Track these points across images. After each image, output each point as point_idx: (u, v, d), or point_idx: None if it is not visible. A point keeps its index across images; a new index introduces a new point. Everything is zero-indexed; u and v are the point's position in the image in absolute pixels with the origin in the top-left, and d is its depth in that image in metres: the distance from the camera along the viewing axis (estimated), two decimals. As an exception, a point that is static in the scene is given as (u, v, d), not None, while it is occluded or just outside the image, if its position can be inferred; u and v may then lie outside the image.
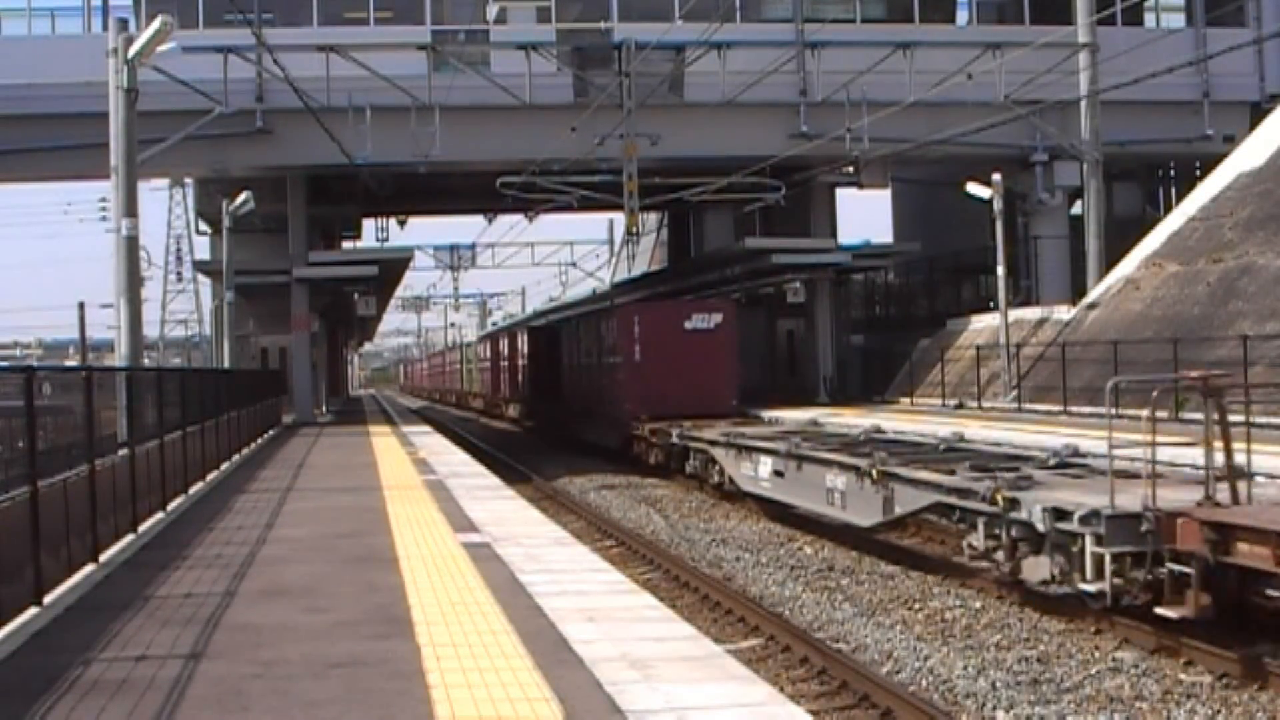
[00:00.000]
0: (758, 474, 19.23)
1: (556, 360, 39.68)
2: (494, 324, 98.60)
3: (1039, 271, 38.11)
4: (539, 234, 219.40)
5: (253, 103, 32.50)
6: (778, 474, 18.32)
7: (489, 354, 60.63)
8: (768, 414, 30.19)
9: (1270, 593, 10.65)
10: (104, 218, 78.74)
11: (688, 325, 29.15)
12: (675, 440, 24.50)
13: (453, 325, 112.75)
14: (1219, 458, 10.82)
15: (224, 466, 20.83)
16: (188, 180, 54.53)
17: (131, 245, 18.75)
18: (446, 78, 32.73)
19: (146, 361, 27.20)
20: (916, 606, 13.33)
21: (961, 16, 38.38)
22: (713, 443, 22.12)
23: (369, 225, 51.04)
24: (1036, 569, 11.56)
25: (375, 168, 34.48)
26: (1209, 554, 9.99)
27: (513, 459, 32.28)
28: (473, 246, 72.35)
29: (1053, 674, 10.45)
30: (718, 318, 29.53)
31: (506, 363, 52.62)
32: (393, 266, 42.98)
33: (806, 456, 17.37)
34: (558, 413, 39.52)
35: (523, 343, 48.31)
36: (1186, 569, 10.17)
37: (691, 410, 26.97)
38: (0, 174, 34.75)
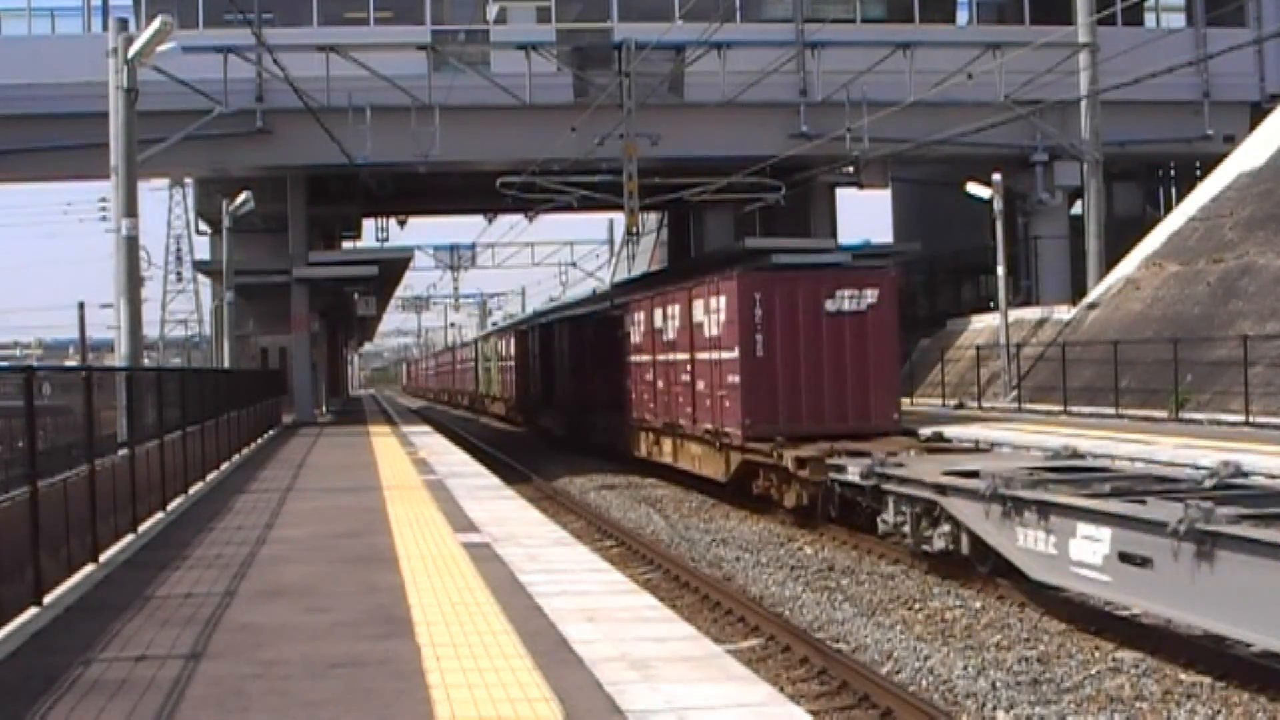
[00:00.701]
0: (1068, 553, 11.24)
1: (613, 357, 30.82)
2: (494, 324, 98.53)
3: (1039, 271, 38.14)
4: (539, 234, 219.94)
5: (253, 103, 32.52)
6: (1132, 561, 10.35)
7: (512, 351, 50.38)
8: (948, 431, 22.48)
9: None
10: (104, 218, 78.75)
11: (830, 305, 20.81)
12: (858, 479, 15.79)
13: (453, 325, 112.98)
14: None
15: (224, 466, 20.83)
16: (188, 180, 54.55)
17: (131, 245, 18.75)
18: (446, 78, 32.74)
19: (146, 361, 27.21)
20: (916, 606, 13.33)
21: (961, 16, 38.40)
22: (946, 490, 13.72)
23: (369, 225, 51.12)
24: None
25: (375, 168, 34.50)
26: None
27: (513, 459, 32.28)
28: (473, 246, 72.42)
29: (1053, 674, 10.45)
30: (872, 294, 20.96)
31: (538, 361, 42.42)
32: (393, 266, 42.99)
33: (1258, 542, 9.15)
34: (617, 427, 30.49)
35: (561, 337, 38.54)
36: None
37: (837, 427, 20.18)
38: (0, 174, 34.75)
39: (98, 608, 9.01)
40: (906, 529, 14.75)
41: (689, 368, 23.54)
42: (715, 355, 21.96)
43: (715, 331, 21.88)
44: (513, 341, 51.30)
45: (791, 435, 19.64)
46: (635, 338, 28.45)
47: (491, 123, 33.45)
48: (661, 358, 25.78)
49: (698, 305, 23.05)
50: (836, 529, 17.88)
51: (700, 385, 22.88)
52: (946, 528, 13.81)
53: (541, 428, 42.51)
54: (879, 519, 15.47)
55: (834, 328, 20.84)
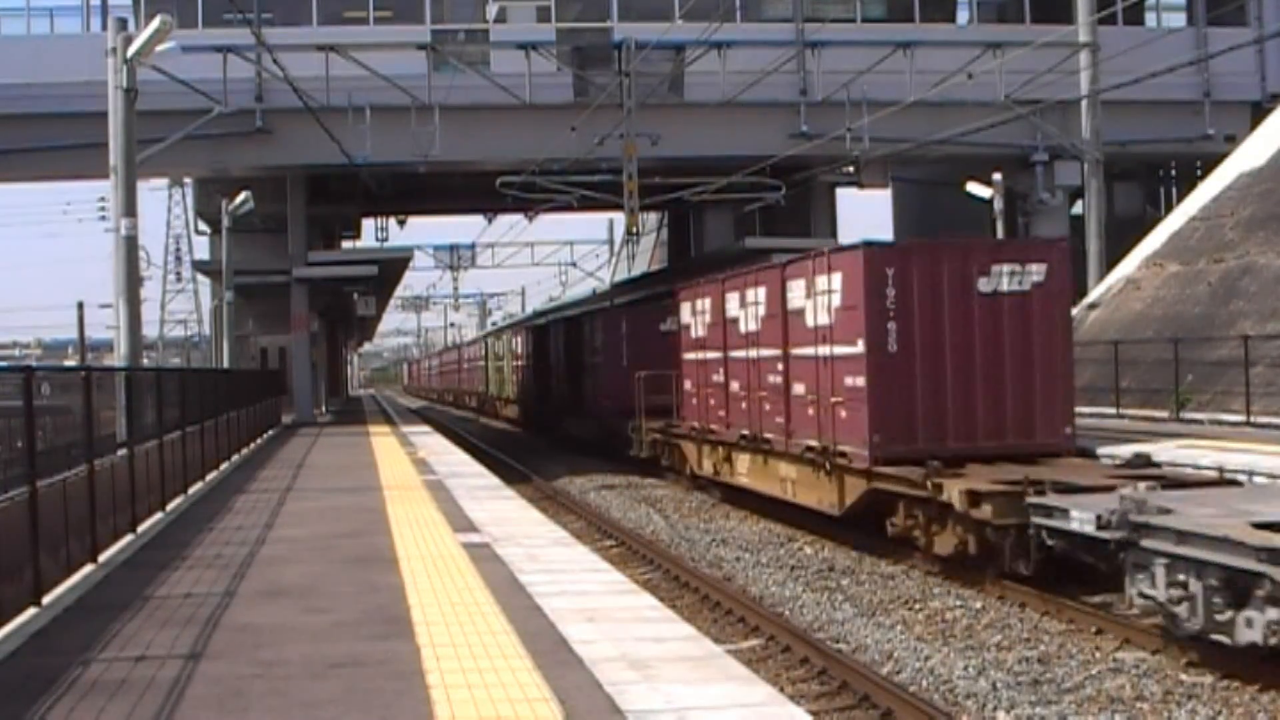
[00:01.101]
0: None
1: (663, 354, 26.86)
2: (494, 323, 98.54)
3: (1039, 271, 38.05)
4: (539, 234, 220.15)
5: (252, 102, 32.49)
6: None
7: (530, 349, 45.38)
8: (1140, 452, 16.41)
9: None
10: (103, 218, 78.75)
11: (984, 285, 16.21)
12: (1093, 530, 11.06)
13: (453, 325, 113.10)
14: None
15: (223, 466, 20.83)
16: (187, 180, 54.57)
17: (131, 245, 18.77)
18: (446, 77, 32.72)
19: (145, 361, 27.20)
20: (917, 607, 13.32)
21: (962, 16, 38.39)
22: None
23: (369, 225, 51.13)
24: None
25: (375, 168, 34.48)
26: None
27: (512, 459, 32.27)
28: (473, 246, 72.44)
29: (1053, 674, 10.44)
30: (1039, 270, 16.37)
31: (562, 359, 38.09)
32: (392, 266, 43.01)
33: None
34: (670, 440, 25.67)
35: (593, 332, 34.13)
36: None
37: (991, 445, 15.94)
38: (0, 174, 34.73)
39: (97, 608, 9.00)
40: (1184, 608, 10.19)
41: (780, 367, 18.97)
42: (824, 351, 17.19)
43: (824, 320, 17.19)
44: (531, 338, 46.40)
45: (934, 456, 14.98)
46: (696, 330, 23.76)
47: (491, 123, 33.43)
48: (737, 354, 21.14)
49: (794, 287, 18.38)
50: (840, 532, 17.71)
51: (799, 389, 18.29)
52: (1274, 614, 9.34)
53: (568, 435, 37.44)
54: (1134, 590, 10.80)
55: (989, 314, 16.23)
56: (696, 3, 31.58)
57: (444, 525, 12.86)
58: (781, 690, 9.23)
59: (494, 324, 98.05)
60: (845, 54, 33.49)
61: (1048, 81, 32.21)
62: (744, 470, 21.05)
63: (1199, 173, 37.36)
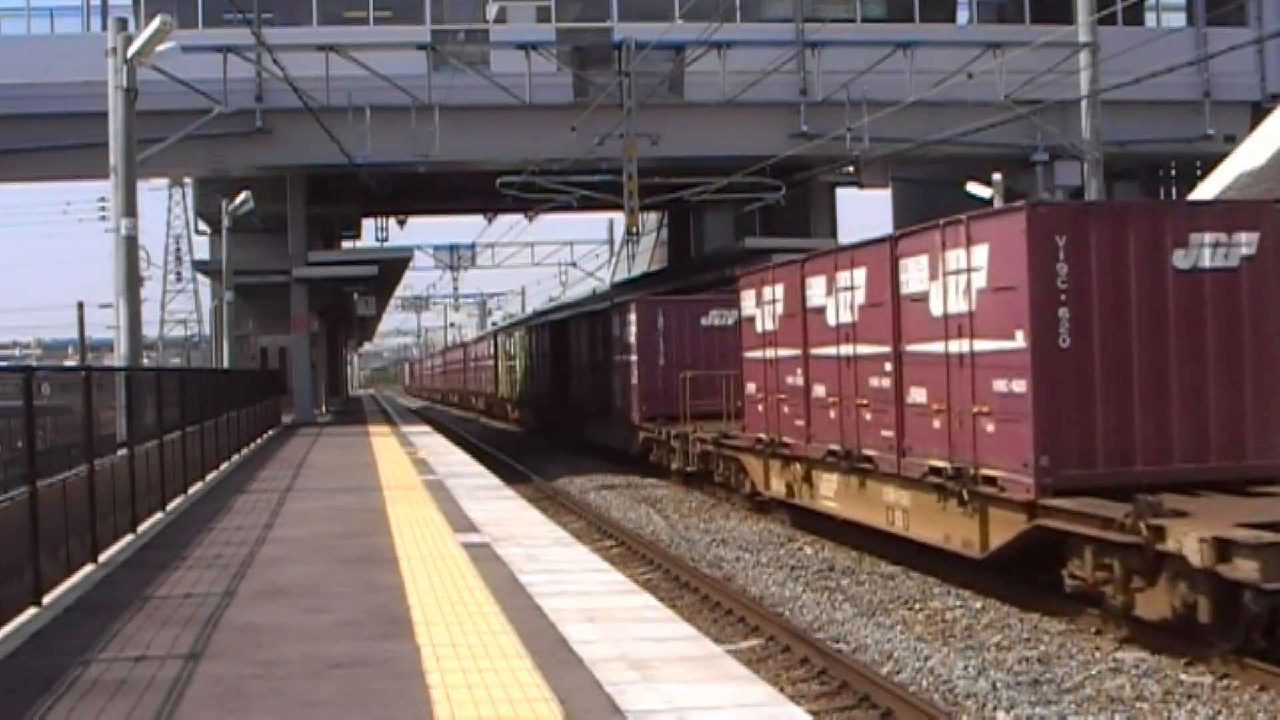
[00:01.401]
0: None
1: (706, 349, 24.78)
2: (494, 323, 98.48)
3: (1039, 271, 38.00)
4: (539, 234, 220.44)
5: (252, 102, 32.47)
6: None
7: (547, 347, 41.86)
8: None
9: None
10: (103, 217, 78.72)
11: (1180, 259, 12.53)
12: None
13: (453, 325, 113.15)
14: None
15: (223, 466, 20.84)
16: (187, 180, 54.52)
17: (131, 245, 18.79)
18: (446, 77, 32.71)
19: (145, 361, 27.21)
20: (917, 607, 13.32)
21: (962, 16, 38.37)
22: None
23: (369, 225, 51.08)
24: None
25: (375, 167, 34.47)
26: None
27: (512, 459, 32.27)
28: (473, 246, 72.36)
29: (1053, 674, 10.44)
30: (1249, 241, 12.68)
31: (585, 359, 35.06)
32: (392, 266, 43.00)
33: None
34: (725, 453, 22.14)
35: (624, 327, 29.90)
36: None
37: (1192, 468, 12.31)
38: (0, 174, 34.73)
39: (97, 608, 9.00)
40: None
41: (888, 367, 15.28)
42: (959, 347, 13.47)
43: (959, 307, 13.49)
44: (548, 334, 42.52)
45: (1119, 485, 11.71)
46: (764, 323, 20.08)
47: (491, 123, 33.42)
48: (823, 352, 17.40)
49: (911, 266, 14.70)
50: (829, 530, 17.72)
51: (918, 396, 14.54)
52: None
53: (590, 442, 34.25)
54: None
55: (1187, 296, 12.51)
56: (696, 3, 31.58)
57: (444, 525, 12.86)
58: (781, 690, 9.23)
59: (494, 324, 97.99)
60: (845, 54, 33.47)
61: (1047, 81, 32.17)
62: (830, 493, 17.43)
63: (1199, 173, 37.35)
